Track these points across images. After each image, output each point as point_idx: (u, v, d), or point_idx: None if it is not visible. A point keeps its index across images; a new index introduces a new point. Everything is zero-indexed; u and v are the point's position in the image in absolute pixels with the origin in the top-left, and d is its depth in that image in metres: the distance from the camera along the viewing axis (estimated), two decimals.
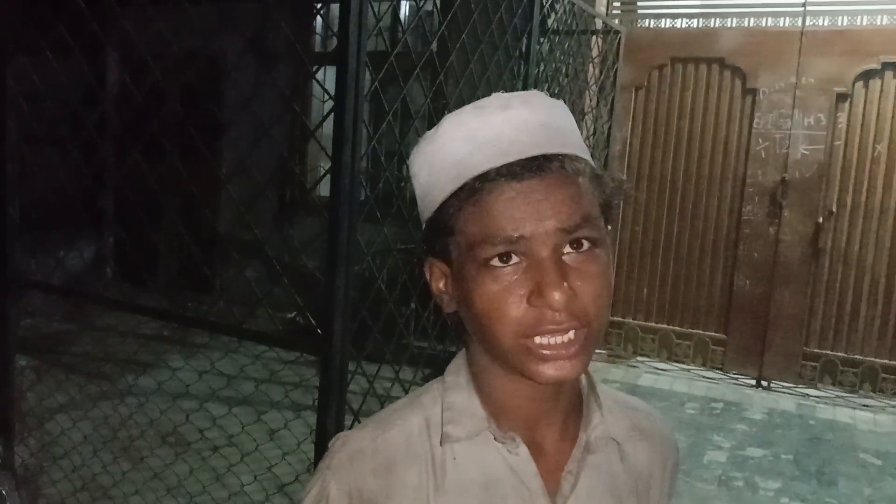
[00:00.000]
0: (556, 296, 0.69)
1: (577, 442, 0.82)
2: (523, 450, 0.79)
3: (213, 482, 2.85)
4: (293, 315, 5.36)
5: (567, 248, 0.72)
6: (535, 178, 0.71)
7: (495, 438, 0.79)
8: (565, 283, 0.70)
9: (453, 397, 0.81)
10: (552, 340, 0.71)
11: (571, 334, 0.71)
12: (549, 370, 0.72)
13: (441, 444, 0.79)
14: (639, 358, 5.87)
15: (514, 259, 0.72)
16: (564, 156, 0.74)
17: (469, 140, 0.74)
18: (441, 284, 0.80)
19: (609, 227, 0.78)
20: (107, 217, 6.35)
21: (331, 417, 1.99)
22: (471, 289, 0.74)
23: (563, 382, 0.76)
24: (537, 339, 0.71)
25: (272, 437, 2.62)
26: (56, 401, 3.25)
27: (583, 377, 0.86)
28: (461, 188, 0.74)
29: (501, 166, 0.72)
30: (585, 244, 0.73)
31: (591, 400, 0.85)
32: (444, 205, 0.76)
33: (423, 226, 0.81)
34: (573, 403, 0.84)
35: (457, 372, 0.83)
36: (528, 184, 0.71)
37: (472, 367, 0.82)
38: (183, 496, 2.91)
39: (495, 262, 0.72)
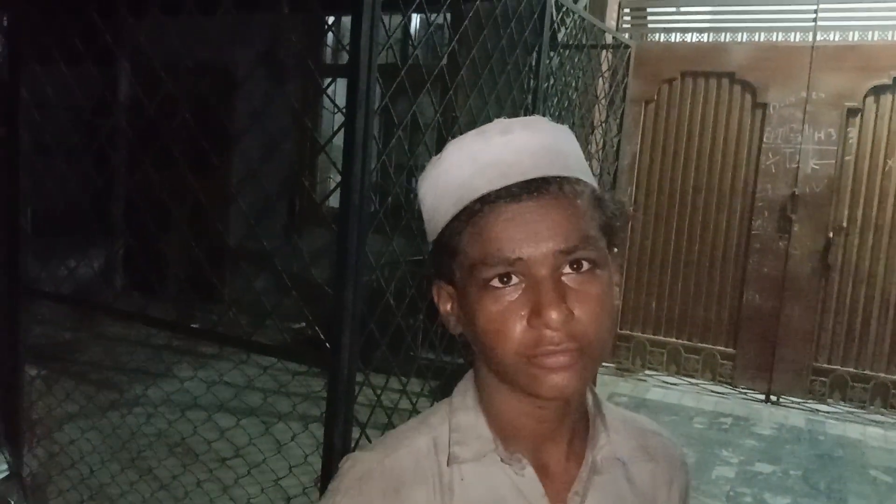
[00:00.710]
0: (554, 315, 0.70)
1: (584, 462, 0.83)
2: (529, 471, 0.79)
3: (220, 494, 2.85)
4: (302, 326, 5.36)
5: (566, 269, 0.73)
6: (533, 200, 0.73)
7: (502, 460, 0.79)
8: (564, 304, 0.71)
9: (460, 418, 0.82)
10: (551, 357, 0.71)
11: (570, 355, 0.72)
12: (550, 382, 0.72)
13: (448, 465, 0.80)
14: (647, 372, 5.85)
15: (514, 280, 0.73)
16: (564, 178, 0.75)
17: (471, 163, 0.76)
18: (448, 307, 0.82)
19: (615, 249, 0.79)
20: (117, 227, 6.39)
21: (338, 430, 1.99)
22: (473, 309, 0.75)
23: (565, 398, 0.76)
24: (537, 358, 0.72)
25: (279, 450, 2.62)
26: (65, 410, 3.25)
27: (589, 397, 0.86)
28: (463, 210, 0.75)
29: (501, 188, 0.73)
30: (585, 265, 0.74)
31: (598, 420, 0.85)
32: (447, 227, 0.77)
33: (430, 248, 0.82)
34: (580, 424, 0.84)
35: (464, 393, 0.84)
36: (526, 205, 0.73)
37: (478, 387, 0.83)
38: None
39: (495, 282, 0.73)
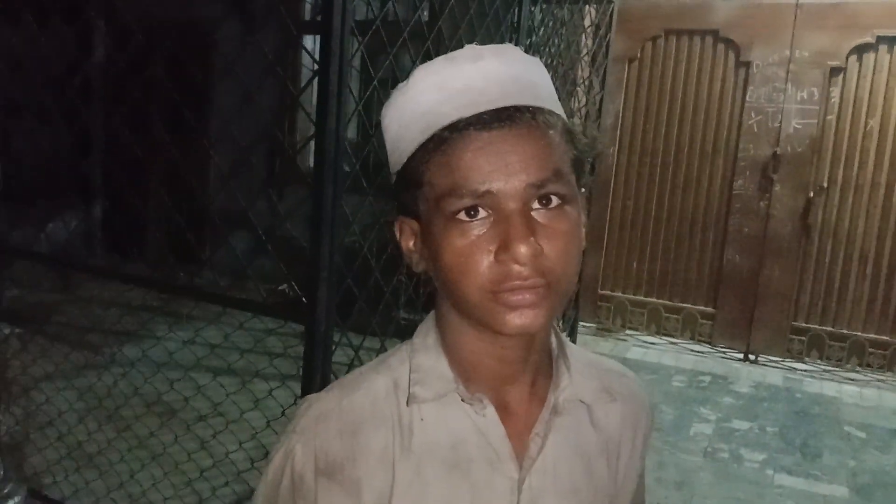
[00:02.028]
0: (522, 249, 0.68)
1: (546, 404, 0.82)
2: (490, 411, 0.78)
3: (198, 450, 2.85)
4: (283, 287, 5.34)
5: (536, 204, 0.71)
6: (505, 129, 0.70)
7: (462, 400, 0.78)
8: (532, 238, 0.69)
9: (421, 359, 0.80)
10: (517, 294, 0.70)
11: (537, 292, 0.70)
12: (514, 319, 0.71)
13: (408, 406, 0.78)
14: (628, 331, 5.89)
15: (482, 213, 0.71)
16: (536, 108, 0.73)
17: (439, 90, 0.73)
18: (411, 243, 0.79)
19: (583, 190, 0.77)
20: (95, 187, 6.30)
21: (315, 386, 1.99)
22: (438, 243, 0.73)
23: (529, 333, 0.74)
24: (503, 294, 0.70)
25: (257, 405, 2.62)
26: (41, 369, 3.23)
27: (553, 339, 0.85)
28: (430, 139, 0.72)
29: (471, 116, 0.71)
30: (555, 200, 0.72)
31: (561, 362, 0.84)
32: (413, 157, 0.74)
33: (393, 181, 0.79)
34: (543, 365, 0.83)
35: (425, 333, 0.83)
36: (497, 133, 0.70)
37: (440, 327, 0.81)
38: (168, 464, 2.91)
39: (462, 216, 0.71)
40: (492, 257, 0.70)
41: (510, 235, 0.69)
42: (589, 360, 0.90)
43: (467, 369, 0.79)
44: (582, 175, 0.76)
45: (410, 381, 0.79)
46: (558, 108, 0.77)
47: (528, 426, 0.81)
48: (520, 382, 0.81)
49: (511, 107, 0.71)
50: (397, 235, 0.81)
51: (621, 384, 0.90)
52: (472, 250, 0.70)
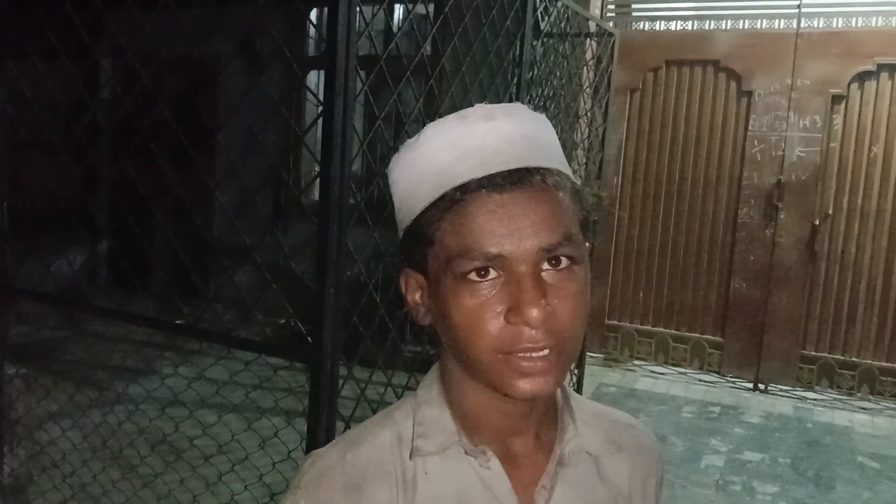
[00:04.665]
0: (534, 313, 0.68)
1: (552, 455, 0.81)
2: (495, 464, 0.77)
3: (203, 491, 2.82)
4: (286, 321, 5.32)
5: (545, 265, 0.71)
6: (517, 191, 0.70)
7: (466, 452, 0.77)
8: (544, 302, 0.69)
9: (425, 411, 0.80)
10: (528, 360, 0.69)
11: (547, 352, 0.70)
12: (525, 385, 0.70)
13: (411, 458, 0.78)
14: (636, 361, 5.85)
15: (492, 274, 0.70)
16: (546, 170, 0.73)
17: (451, 149, 0.73)
18: (416, 296, 0.79)
19: (587, 245, 0.77)
20: (100, 223, 6.32)
21: (321, 425, 1.97)
22: (448, 302, 0.72)
23: (538, 398, 0.74)
24: (513, 357, 0.70)
25: (262, 446, 2.59)
26: (46, 409, 3.21)
27: (557, 390, 0.84)
28: (441, 198, 0.72)
29: (483, 177, 0.71)
30: (564, 261, 0.72)
31: (566, 413, 0.83)
32: (423, 214, 0.74)
33: (401, 235, 0.79)
34: (548, 416, 0.82)
35: (429, 386, 0.82)
36: (510, 196, 0.70)
37: (444, 380, 0.81)
38: None
39: (473, 276, 0.71)
40: (502, 319, 0.70)
41: (522, 299, 0.69)
42: (595, 410, 0.89)
43: (471, 422, 0.79)
44: (588, 233, 0.77)
45: (414, 434, 0.79)
46: (565, 167, 0.77)
47: (533, 478, 0.79)
48: (524, 434, 0.80)
49: (523, 168, 0.71)
50: (403, 288, 0.80)
51: (629, 435, 0.89)
52: (483, 311, 0.70)
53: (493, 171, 0.71)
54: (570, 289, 0.71)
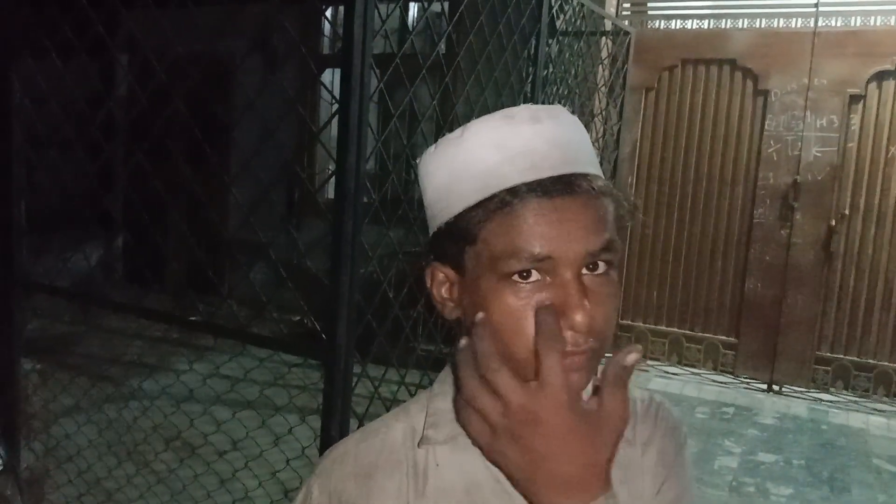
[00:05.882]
0: (580, 318, 0.70)
1: None
2: None
3: (217, 487, 2.83)
4: (300, 318, 5.34)
5: (585, 270, 0.73)
6: (567, 198, 0.72)
7: (473, 443, 0.77)
8: (588, 306, 0.70)
9: (437, 403, 0.82)
10: (567, 360, 0.70)
11: (586, 356, 0.72)
12: None
13: (419, 447, 0.80)
14: (649, 362, 5.83)
15: (534, 276, 0.72)
16: (594, 175, 0.75)
17: (498, 149, 0.74)
18: (443, 290, 0.79)
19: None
20: (116, 219, 6.36)
21: (335, 422, 1.97)
22: (487, 300, 0.73)
23: None
24: None
25: (276, 443, 2.60)
26: (61, 404, 3.24)
27: None
28: (489, 199, 0.73)
29: (532, 181, 0.72)
30: (602, 266, 0.74)
31: None
32: (466, 213, 0.74)
33: (433, 230, 0.79)
34: None
35: (443, 380, 0.84)
36: (560, 201, 0.72)
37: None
38: (187, 501, 2.89)
39: (516, 277, 0.72)
40: None
41: (568, 303, 0.70)
42: None
43: None
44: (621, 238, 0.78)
45: (425, 425, 0.81)
46: (599, 170, 0.78)
47: None
48: None
49: (570, 174, 0.73)
50: (428, 282, 0.81)
51: (645, 414, 0.89)
52: (526, 312, 0.71)
53: (542, 175, 0.72)
54: (607, 293, 0.74)
